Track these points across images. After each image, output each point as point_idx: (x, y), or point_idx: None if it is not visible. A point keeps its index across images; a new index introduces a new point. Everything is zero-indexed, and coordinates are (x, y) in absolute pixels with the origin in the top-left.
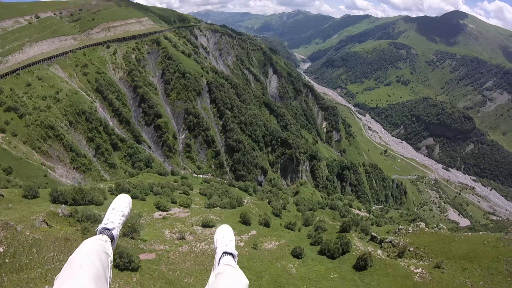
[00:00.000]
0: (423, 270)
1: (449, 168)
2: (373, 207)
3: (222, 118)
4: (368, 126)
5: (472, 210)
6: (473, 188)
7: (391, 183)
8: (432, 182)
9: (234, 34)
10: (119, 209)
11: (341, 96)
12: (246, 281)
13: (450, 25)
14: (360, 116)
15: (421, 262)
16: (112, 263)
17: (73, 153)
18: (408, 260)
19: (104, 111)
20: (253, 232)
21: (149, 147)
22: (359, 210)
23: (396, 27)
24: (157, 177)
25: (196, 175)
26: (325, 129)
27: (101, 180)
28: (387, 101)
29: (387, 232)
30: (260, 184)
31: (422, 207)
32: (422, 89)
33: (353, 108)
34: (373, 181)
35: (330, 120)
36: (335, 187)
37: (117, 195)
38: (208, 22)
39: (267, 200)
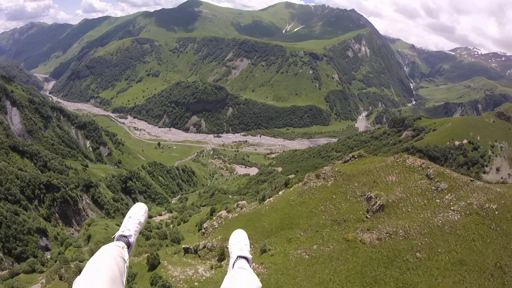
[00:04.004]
0: (253, 264)
1: (220, 135)
2: (172, 201)
3: None
4: (134, 127)
5: (254, 158)
6: (246, 141)
7: (177, 170)
8: (211, 152)
9: None
10: (135, 217)
11: (97, 107)
12: (259, 285)
13: (187, 13)
14: (122, 120)
15: None
16: (128, 269)
17: None
18: None
19: None
20: None
21: None
22: (160, 215)
23: (137, 23)
24: None
25: None
26: (90, 148)
27: None
28: (143, 96)
29: (196, 225)
30: (47, 249)
31: (213, 176)
32: (173, 76)
33: (112, 114)
34: (160, 177)
35: (93, 137)
36: (127, 204)
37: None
38: None
39: (58, 276)
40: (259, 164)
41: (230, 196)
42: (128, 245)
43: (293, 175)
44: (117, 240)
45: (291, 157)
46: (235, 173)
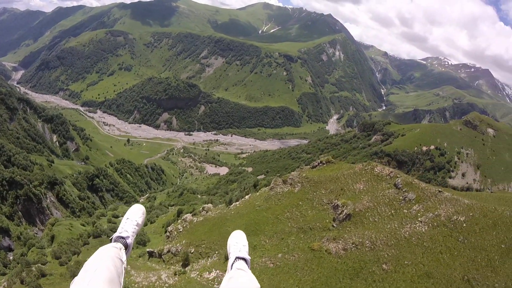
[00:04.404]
0: (217, 271)
1: (191, 133)
2: (140, 200)
3: None
4: (103, 122)
5: (224, 158)
6: (217, 140)
7: (146, 168)
8: (182, 150)
9: None
10: (133, 218)
11: (66, 99)
12: (258, 285)
13: (164, 7)
14: (91, 114)
15: (209, 260)
16: (125, 270)
17: None
18: (197, 264)
19: None
20: None
21: None
22: None
23: (112, 15)
24: None
25: None
26: (57, 143)
27: None
28: (114, 91)
29: (163, 227)
30: (10, 249)
31: (183, 175)
32: (145, 70)
33: (81, 108)
34: (128, 175)
35: (60, 131)
36: (93, 202)
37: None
38: None
39: (19, 280)
40: (229, 164)
41: (199, 196)
42: (126, 246)
43: (263, 176)
44: (114, 241)
45: (261, 158)
46: (205, 172)
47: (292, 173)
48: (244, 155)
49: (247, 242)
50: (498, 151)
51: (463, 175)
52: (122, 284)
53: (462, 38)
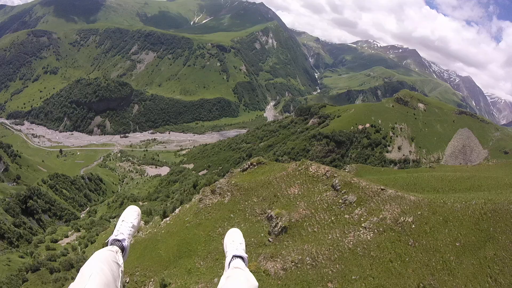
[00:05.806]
0: None
1: (127, 135)
2: (81, 216)
3: None
4: (32, 134)
5: (164, 157)
6: (154, 139)
7: (82, 180)
8: (119, 155)
9: None
10: (128, 220)
11: None
12: (256, 284)
13: (89, 2)
14: (18, 127)
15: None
16: (123, 273)
17: None
18: None
19: None
20: None
21: None
22: (67, 236)
23: (34, 13)
24: None
25: None
26: None
27: None
28: (41, 98)
29: (103, 246)
30: None
31: (123, 181)
32: (73, 72)
33: (7, 121)
34: (64, 191)
35: None
36: (30, 227)
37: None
38: None
39: None
40: (170, 163)
41: (141, 203)
42: (122, 249)
43: (205, 171)
44: (110, 245)
45: (202, 152)
46: (145, 175)
47: (220, 180)
48: (184, 152)
49: (244, 240)
50: (430, 123)
51: (399, 148)
52: (120, 287)
53: (390, 22)
